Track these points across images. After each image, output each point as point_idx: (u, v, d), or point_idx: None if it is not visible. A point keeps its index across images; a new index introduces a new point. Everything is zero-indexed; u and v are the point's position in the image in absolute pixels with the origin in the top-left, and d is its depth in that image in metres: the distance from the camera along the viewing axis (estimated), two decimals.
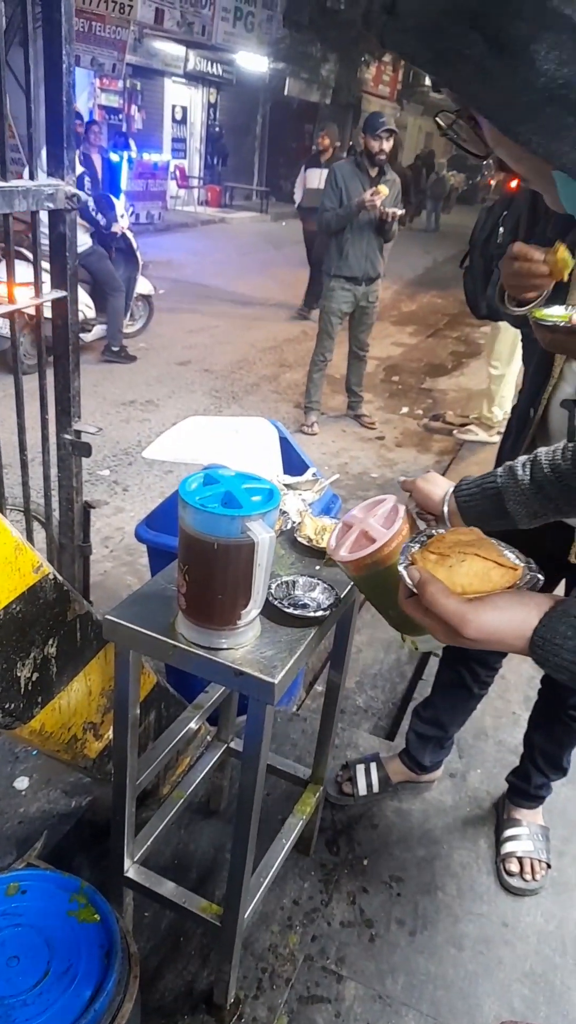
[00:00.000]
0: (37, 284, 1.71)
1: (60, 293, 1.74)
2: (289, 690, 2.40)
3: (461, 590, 0.80)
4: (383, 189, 4.48)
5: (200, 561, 1.10)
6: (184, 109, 17.50)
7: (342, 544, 1.10)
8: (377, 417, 5.59)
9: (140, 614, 1.23)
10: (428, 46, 0.47)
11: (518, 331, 1.78)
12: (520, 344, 1.85)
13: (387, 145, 4.55)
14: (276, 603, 1.25)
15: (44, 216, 1.67)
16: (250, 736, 1.23)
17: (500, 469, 1.16)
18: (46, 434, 1.85)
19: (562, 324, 1.24)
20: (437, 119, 0.59)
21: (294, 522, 1.53)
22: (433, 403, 6.14)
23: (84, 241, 5.57)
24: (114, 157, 12.32)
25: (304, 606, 1.29)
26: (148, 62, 14.64)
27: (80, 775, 1.99)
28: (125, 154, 11.51)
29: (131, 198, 12.67)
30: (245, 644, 1.18)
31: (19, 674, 1.35)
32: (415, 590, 0.81)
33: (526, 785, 2.02)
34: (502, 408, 5.03)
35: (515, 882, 1.91)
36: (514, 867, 1.93)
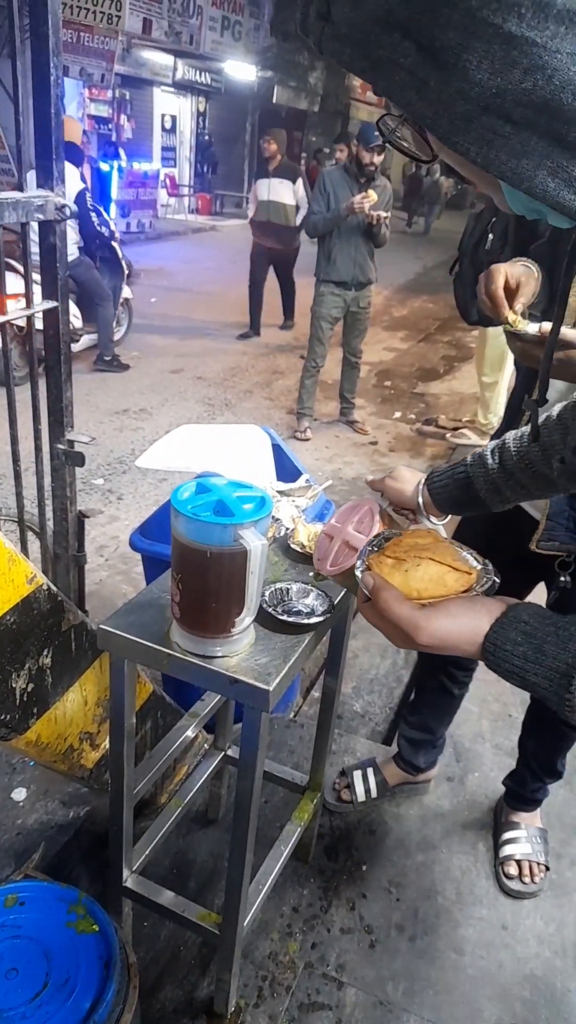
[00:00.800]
0: (28, 295, 1.71)
1: (51, 304, 1.75)
2: (286, 696, 2.40)
3: (417, 595, 0.81)
4: (372, 194, 4.50)
5: (193, 570, 1.10)
6: (173, 118, 17.57)
7: (327, 557, 1.12)
8: (370, 422, 5.60)
9: (134, 623, 1.23)
10: (363, 54, 0.47)
11: None
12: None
13: (378, 159, 4.59)
14: (270, 610, 1.26)
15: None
16: (246, 743, 1.23)
17: (469, 457, 1.17)
18: (39, 444, 1.85)
19: (531, 334, 1.26)
20: (379, 124, 0.58)
21: (287, 529, 1.53)
22: (425, 407, 6.15)
23: (71, 252, 5.58)
24: (104, 167, 12.33)
25: (298, 613, 1.29)
26: (137, 72, 14.70)
27: (78, 785, 1.98)
28: (115, 163, 11.52)
29: (122, 207, 12.71)
30: (240, 652, 1.18)
31: (14, 685, 1.35)
32: (370, 596, 0.81)
33: (522, 789, 2.02)
34: (496, 414, 5.05)
35: (514, 885, 1.91)
36: (513, 870, 1.93)
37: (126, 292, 6.58)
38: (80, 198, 5.54)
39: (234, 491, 1.13)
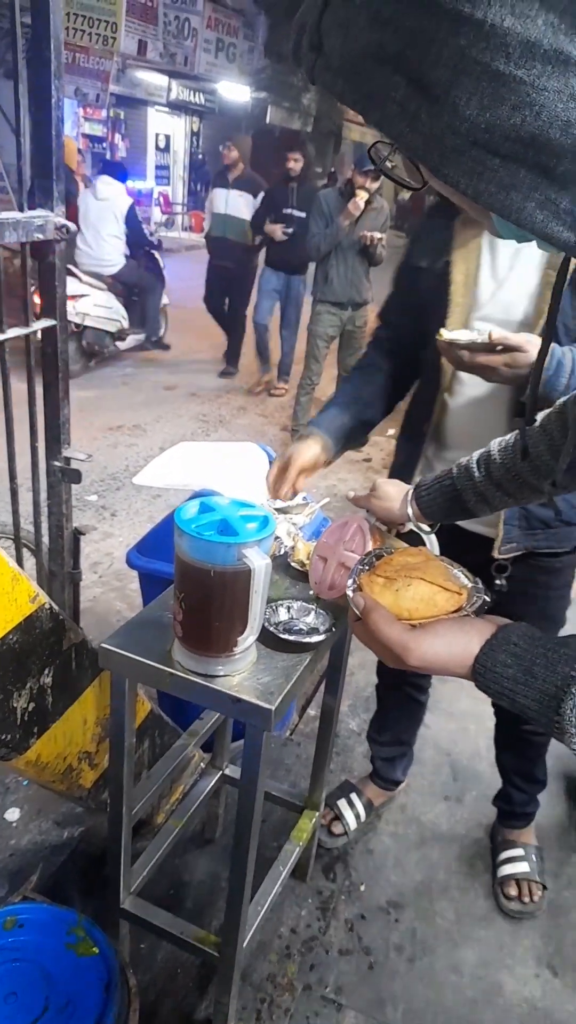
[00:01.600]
0: (27, 314, 1.72)
1: (50, 322, 1.75)
2: (284, 716, 2.39)
3: (407, 615, 0.81)
4: (362, 193, 4.56)
5: (196, 589, 1.10)
6: (167, 137, 17.71)
7: (324, 580, 1.12)
8: None
9: (136, 642, 1.23)
10: (355, 87, 0.48)
11: None
12: None
13: (372, 185, 4.64)
14: (271, 629, 1.26)
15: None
16: (247, 763, 1.23)
17: (454, 468, 1.18)
18: (36, 461, 1.85)
19: (463, 341, 1.29)
20: (370, 153, 0.59)
21: (287, 547, 1.53)
22: None
23: (119, 260, 6.31)
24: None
25: (299, 631, 1.29)
26: (131, 92, 14.82)
27: (72, 805, 1.96)
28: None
29: None
30: (242, 671, 1.18)
31: (15, 705, 1.34)
32: (360, 616, 0.82)
33: (511, 806, 2.02)
34: None
35: (514, 906, 1.90)
36: (512, 891, 1.92)
37: (164, 299, 7.02)
38: (131, 212, 6.25)
39: (238, 510, 1.13)
